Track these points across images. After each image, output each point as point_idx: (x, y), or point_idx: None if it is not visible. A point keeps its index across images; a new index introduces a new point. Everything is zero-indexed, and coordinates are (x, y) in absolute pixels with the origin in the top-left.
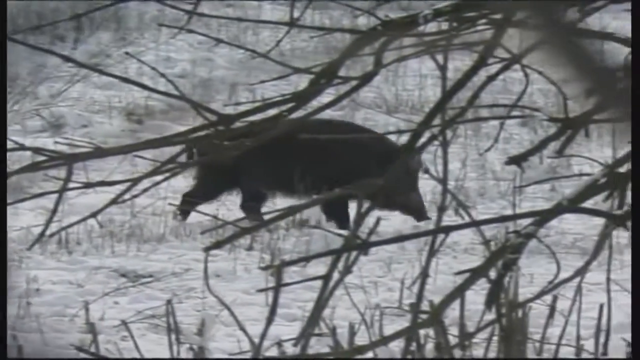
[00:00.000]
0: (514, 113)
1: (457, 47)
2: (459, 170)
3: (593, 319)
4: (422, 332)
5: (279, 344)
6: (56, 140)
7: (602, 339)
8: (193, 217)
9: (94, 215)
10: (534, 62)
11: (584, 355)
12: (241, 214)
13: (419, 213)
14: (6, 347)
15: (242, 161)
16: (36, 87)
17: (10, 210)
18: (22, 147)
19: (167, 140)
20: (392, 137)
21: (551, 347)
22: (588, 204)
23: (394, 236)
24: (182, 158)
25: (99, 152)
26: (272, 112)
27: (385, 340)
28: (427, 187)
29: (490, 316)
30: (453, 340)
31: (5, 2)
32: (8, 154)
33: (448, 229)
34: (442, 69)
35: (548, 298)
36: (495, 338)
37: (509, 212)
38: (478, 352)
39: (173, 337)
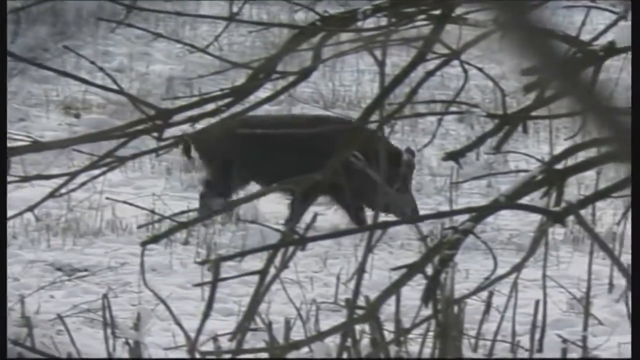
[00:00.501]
0: (452, 109)
1: (395, 43)
2: None
3: (528, 315)
4: (357, 327)
5: (215, 338)
6: None
7: (537, 335)
8: (129, 211)
9: (31, 209)
10: (472, 58)
11: (520, 351)
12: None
13: (412, 214)
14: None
15: (250, 156)
16: None
17: None
18: None
19: (106, 134)
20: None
21: (487, 343)
22: (525, 200)
23: (331, 231)
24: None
25: (37, 146)
26: (210, 106)
27: (321, 335)
28: None
29: (427, 312)
30: (389, 336)
31: (5, 2)
32: None
33: (385, 225)
34: (381, 64)
35: (484, 294)
36: (431, 334)
37: (445, 208)
38: (414, 347)
39: (109, 331)
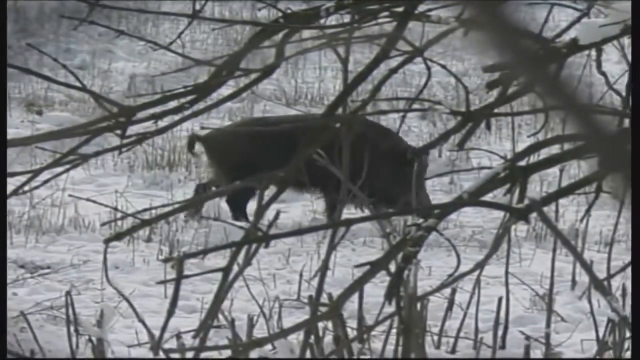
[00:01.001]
0: (415, 106)
1: (358, 40)
2: None
3: (491, 312)
4: (321, 324)
5: (178, 335)
6: None
7: (500, 332)
8: (92, 208)
9: None
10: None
11: (483, 347)
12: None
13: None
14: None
15: (259, 156)
16: None
17: None
18: None
19: (68, 132)
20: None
21: (450, 340)
22: (488, 197)
23: (294, 229)
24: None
25: None
26: (173, 104)
27: (284, 332)
28: None
29: (390, 309)
30: (352, 333)
31: (5, 2)
32: None
33: (349, 222)
34: (344, 62)
35: (447, 291)
36: (394, 331)
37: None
38: (377, 344)
39: (72, 328)
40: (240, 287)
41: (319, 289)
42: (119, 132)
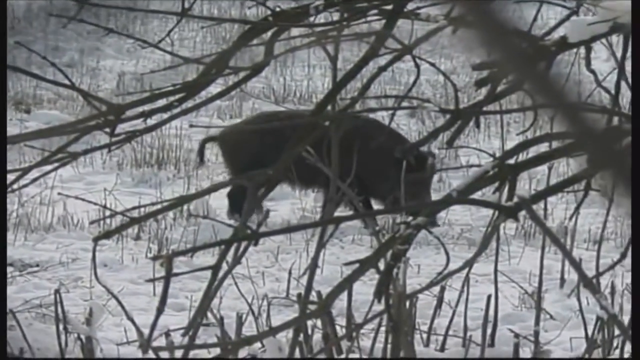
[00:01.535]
0: (404, 104)
1: (347, 38)
2: None
3: (480, 310)
4: (310, 322)
5: (167, 333)
6: None
7: (489, 330)
8: (80, 206)
9: None
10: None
11: (472, 345)
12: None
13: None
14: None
15: (268, 154)
16: None
17: None
18: None
19: (57, 130)
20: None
21: (439, 338)
22: (477, 195)
23: (283, 227)
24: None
25: None
26: (162, 102)
27: (273, 330)
28: None
29: (379, 307)
30: (341, 331)
31: (5, 2)
32: None
33: (338, 220)
34: (333, 60)
35: (436, 289)
36: (383, 329)
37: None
38: (366, 342)
39: (61, 326)
40: (229, 285)
41: (308, 287)
42: (107, 130)
